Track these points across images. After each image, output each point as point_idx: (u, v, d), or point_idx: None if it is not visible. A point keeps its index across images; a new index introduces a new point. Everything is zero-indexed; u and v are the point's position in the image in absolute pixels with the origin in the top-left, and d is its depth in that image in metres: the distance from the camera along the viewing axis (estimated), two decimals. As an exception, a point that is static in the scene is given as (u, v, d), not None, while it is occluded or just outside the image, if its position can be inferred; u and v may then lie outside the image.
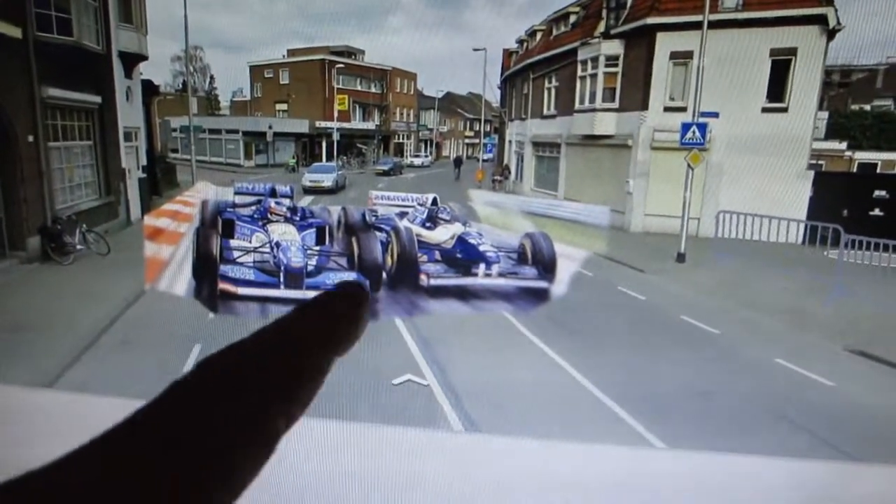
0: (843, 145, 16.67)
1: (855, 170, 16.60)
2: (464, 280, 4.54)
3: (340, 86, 20.69)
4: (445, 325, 8.33)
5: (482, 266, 4.57)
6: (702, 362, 8.13)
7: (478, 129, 23.42)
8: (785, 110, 14.92)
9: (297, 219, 4.86)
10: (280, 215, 4.82)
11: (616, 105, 16.43)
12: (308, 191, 16.68)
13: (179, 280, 3.94)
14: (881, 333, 8.94)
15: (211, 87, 21.55)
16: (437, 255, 4.84)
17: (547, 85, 19.11)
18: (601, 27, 16.87)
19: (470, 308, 4.65)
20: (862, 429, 6.58)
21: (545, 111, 19.26)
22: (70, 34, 12.06)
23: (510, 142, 20.99)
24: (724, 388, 7.42)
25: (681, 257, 13.03)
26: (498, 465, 1.85)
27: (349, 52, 20.82)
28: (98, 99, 13.03)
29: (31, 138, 11.16)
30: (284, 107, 20.98)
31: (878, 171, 16.34)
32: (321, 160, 20.36)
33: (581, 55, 17.06)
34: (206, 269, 4.03)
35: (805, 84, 14.74)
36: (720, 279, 11.78)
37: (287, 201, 5.01)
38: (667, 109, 15.35)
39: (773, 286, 11.07)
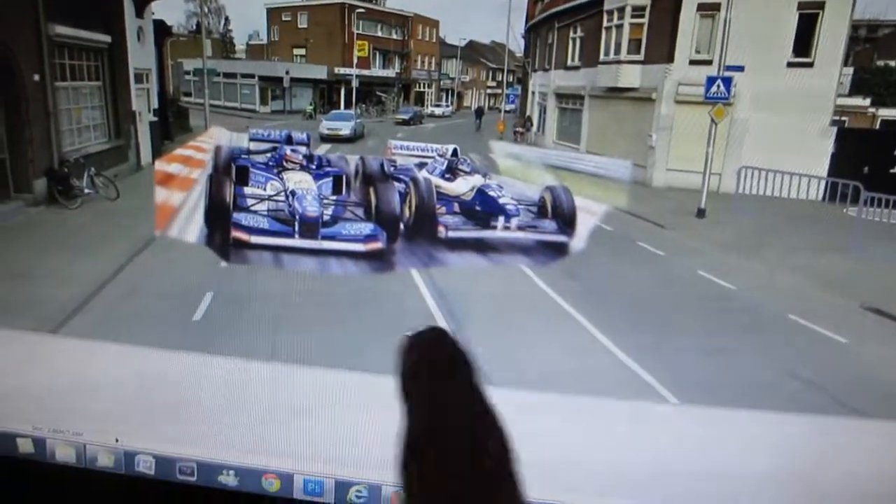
0: (867, 101, 16.43)
1: (878, 127, 16.39)
2: (482, 233, 4.48)
3: (360, 31, 20.37)
4: (463, 277, 8.32)
5: (501, 219, 4.50)
6: (716, 317, 8.16)
7: (500, 79, 23.07)
8: (811, 65, 14.71)
9: (314, 167, 4.78)
10: (296, 163, 4.73)
11: (641, 57, 16.23)
12: (325, 139, 16.52)
13: (191, 227, 3.88)
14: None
15: (226, 29, 21.20)
16: (456, 207, 4.76)
17: (572, 35, 18.85)
18: (629, -24, 16.56)
19: (487, 261, 4.58)
20: (873, 386, 6.57)
21: (569, 62, 19.04)
22: (78, -30, 11.85)
23: (533, 93, 20.76)
24: (736, 343, 7.44)
25: (701, 213, 12.94)
26: (508, 419, 1.81)
27: (370, -3, 20.44)
28: (108, 38, 12.82)
29: (37, 77, 11.00)
30: (302, 52, 20.68)
31: (900, 128, 16.15)
32: (339, 107, 20.14)
33: (607, 5, 16.81)
34: (218, 217, 3.96)
35: (831, 38, 14.52)
36: (739, 235, 11.76)
37: (303, 149, 4.93)
38: (692, 63, 15.16)
39: (791, 243, 11.05)
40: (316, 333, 6.55)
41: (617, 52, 16.62)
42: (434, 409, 0.43)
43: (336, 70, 19.95)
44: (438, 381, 0.44)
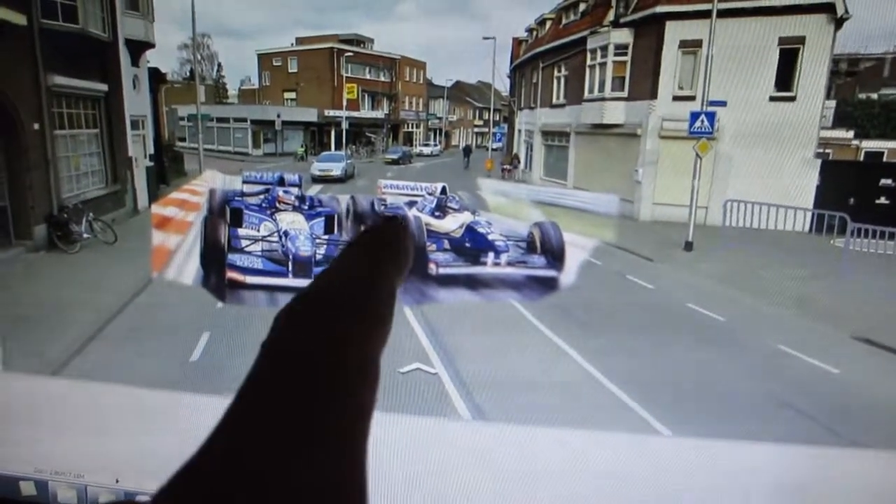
0: (850, 134, 16.57)
1: (861, 158, 16.52)
2: (472, 269, 4.52)
3: (349, 74, 20.60)
4: (454, 313, 8.32)
5: (491, 255, 4.54)
6: (706, 349, 8.15)
7: (487, 118, 23.28)
8: (793, 99, 14.88)
9: (306, 208, 4.84)
10: (288, 204, 4.79)
11: (625, 94, 16.38)
12: (317, 180, 16.63)
13: (187, 269, 3.92)
14: (887, 321, 8.94)
15: (219, 75, 21.43)
16: (446, 244, 4.81)
17: (556, 74, 19.03)
18: (610, 16, 16.78)
19: (478, 297, 4.63)
20: (866, 416, 6.57)
21: (554, 100, 19.19)
22: (76, 21, 11.99)
23: (519, 131, 20.93)
24: (727, 375, 7.46)
25: (689, 246, 13.01)
26: (504, 452, 1.84)
27: (358, 41, 20.72)
28: (104, 87, 12.99)
29: (36, 126, 11.15)
30: (293, 95, 20.89)
31: (885, 159, 16.25)
32: (330, 149, 20.30)
33: (590, 44, 16.98)
34: (213, 258, 4.00)
35: (813, 73, 14.70)
36: (727, 267, 11.80)
37: (295, 190, 4.99)
38: (675, 98, 15.31)
39: (779, 274, 11.09)
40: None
41: (601, 89, 16.74)
42: (343, 271, 0.44)
43: (326, 112, 20.11)
44: (366, 257, 0.45)
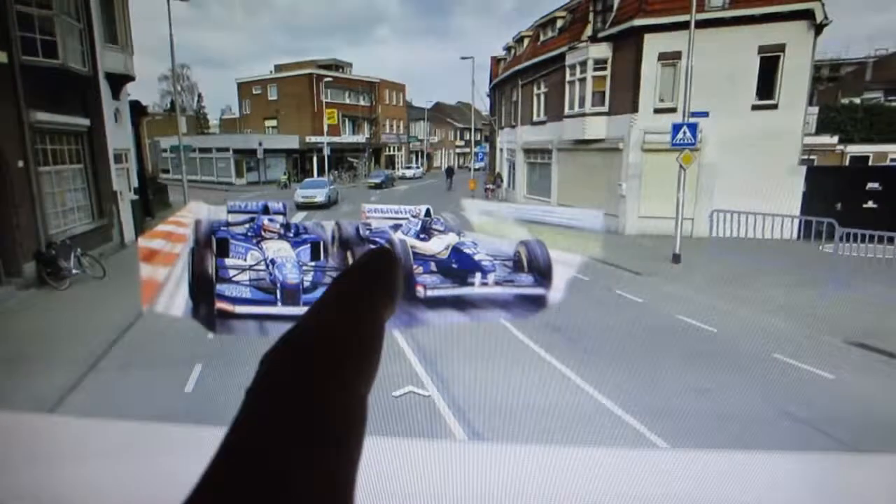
0: (835, 139, 16.70)
1: (847, 163, 16.62)
2: (460, 290, 4.52)
3: (329, 100, 20.72)
4: (444, 335, 8.29)
5: (478, 275, 4.56)
6: (700, 360, 8.14)
7: (468, 138, 23.49)
8: (775, 107, 14.99)
9: (291, 235, 4.85)
10: (274, 232, 4.80)
11: (606, 109, 16.43)
12: (301, 206, 16.64)
13: (176, 301, 3.92)
14: (879, 324, 9.01)
15: (199, 105, 21.58)
16: (433, 266, 4.82)
17: (536, 91, 19.10)
18: (588, 31, 16.92)
19: (467, 317, 4.64)
20: (863, 420, 6.58)
21: (535, 117, 19.25)
22: (56, 57, 12.03)
23: (501, 150, 20.99)
24: (722, 384, 7.42)
25: (676, 258, 13.01)
26: (501, 473, 1.83)
27: (337, 66, 20.83)
28: (87, 121, 13.00)
29: (20, 163, 11.15)
30: (274, 123, 21.00)
31: (870, 163, 16.37)
32: (313, 175, 20.38)
33: (569, 60, 17.05)
34: (202, 289, 4.00)
35: (794, 80, 14.81)
36: (716, 278, 11.81)
37: (280, 218, 4.99)
38: (657, 111, 15.41)
39: (768, 282, 11.10)
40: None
41: (581, 105, 16.77)
42: (329, 308, 0.43)
43: (307, 139, 20.16)
44: (354, 291, 0.44)
